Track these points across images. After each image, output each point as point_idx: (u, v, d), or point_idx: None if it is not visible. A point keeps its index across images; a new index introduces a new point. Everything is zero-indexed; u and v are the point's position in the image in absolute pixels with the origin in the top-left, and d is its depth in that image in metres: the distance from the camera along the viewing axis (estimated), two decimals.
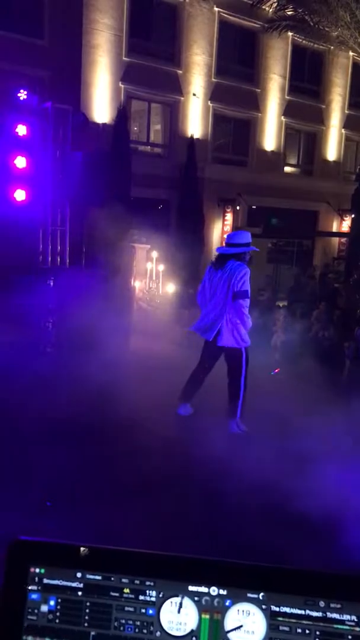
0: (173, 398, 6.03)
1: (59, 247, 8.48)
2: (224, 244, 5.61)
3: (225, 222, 18.06)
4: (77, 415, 5.63)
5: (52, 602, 0.82)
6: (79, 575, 0.83)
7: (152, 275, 11.30)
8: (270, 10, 14.72)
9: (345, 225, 19.99)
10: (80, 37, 15.14)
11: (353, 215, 18.21)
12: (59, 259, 8.49)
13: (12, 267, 7.75)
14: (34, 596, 0.83)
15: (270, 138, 19.29)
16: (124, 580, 0.82)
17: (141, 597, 0.82)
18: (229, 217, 18.01)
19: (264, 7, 14.74)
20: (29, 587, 0.83)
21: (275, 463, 4.38)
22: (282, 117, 19.43)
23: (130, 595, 0.82)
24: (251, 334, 7.77)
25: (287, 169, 20.28)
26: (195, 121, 17.53)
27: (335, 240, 20.73)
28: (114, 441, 5.30)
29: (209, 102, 17.75)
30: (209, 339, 5.57)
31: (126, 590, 0.82)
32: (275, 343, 9.38)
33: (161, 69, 16.59)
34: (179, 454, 5.02)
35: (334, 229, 20.69)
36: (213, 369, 5.87)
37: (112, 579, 0.82)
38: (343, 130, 21.05)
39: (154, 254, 11.42)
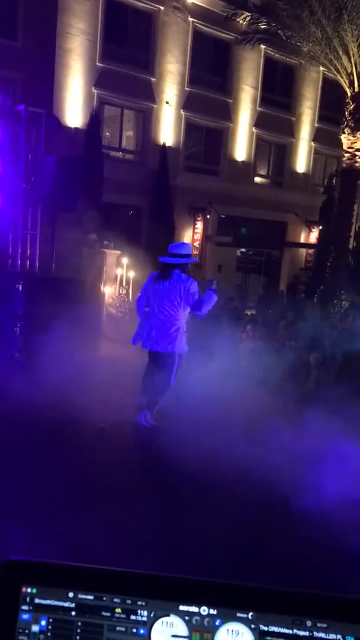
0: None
1: (28, 251, 8.40)
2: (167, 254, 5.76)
3: (196, 231, 18.17)
4: (43, 421, 5.59)
5: (43, 622, 0.82)
6: (70, 595, 0.82)
7: (122, 282, 11.28)
8: (244, 23, 14.92)
9: (313, 236, 20.35)
10: (54, 41, 15.08)
11: (320, 227, 18.60)
12: (28, 263, 8.41)
13: None
14: (25, 616, 0.82)
15: (241, 148, 19.52)
16: (115, 600, 0.82)
17: (132, 617, 0.82)
18: (199, 225, 18.12)
19: (237, 19, 14.93)
20: (21, 607, 0.82)
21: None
22: (253, 128, 19.68)
23: (122, 615, 0.82)
24: (219, 341, 7.85)
25: (257, 179, 20.54)
26: (168, 129, 17.62)
27: (303, 251, 21.07)
28: (79, 446, 5.29)
29: (182, 110, 17.87)
30: (163, 350, 5.65)
31: (118, 610, 0.82)
32: (242, 351, 9.47)
33: (135, 76, 16.64)
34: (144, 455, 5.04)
35: (302, 239, 21.02)
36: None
37: (104, 598, 0.82)
38: (312, 143, 21.44)
39: (125, 260, 11.41)
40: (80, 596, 0.82)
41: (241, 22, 15.34)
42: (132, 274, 11.24)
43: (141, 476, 4.85)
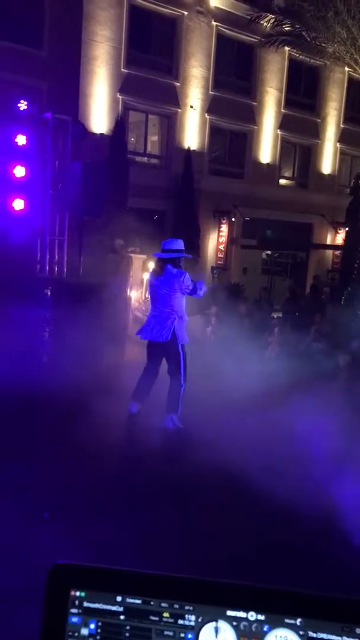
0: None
1: (56, 257, 8.50)
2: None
3: (221, 234, 18.16)
4: (75, 426, 5.65)
5: (92, 626, 0.83)
6: (119, 599, 0.83)
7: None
8: (268, 25, 14.90)
9: (340, 238, 20.15)
10: (80, 48, 15.26)
11: (347, 228, 18.39)
12: (56, 269, 8.51)
13: (9, 276, 7.75)
14: (74, 619, 0.83)
15: (266, 151, 19.46)
16: (163, 604, 0.83)
17: (180, 622, 0.82)
18: (224, 228, 18.10)
19: (261, 22, 14.91)
20: (70, 611, 0.83)
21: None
22: (278, 130, 19.61)
23: (170, 620, 0.82)
24: (246, 346, 7.83)
25: (282, 181, 20.44)
26: (192, 133, 17.66)
27: (330, 252, 20.87)
28: (114, 448, 5.33)
29: (206, 114, 17.90)
30: (163, 340, 5.88)
31: (165, 614, 0.82)
32: (270, 354, 9.42)
33: (159, 81, 16.73)
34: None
35: (328, 241, 20.83)
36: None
37: (152, 603, 0.83)
38: (338, 144, 21.26)
39: (151, 265, 11.45)
40: (128, 600, 0.83)
41: (265, 24, 15.34)
42: None
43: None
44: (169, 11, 16.73)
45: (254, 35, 17.38)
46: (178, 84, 17.31)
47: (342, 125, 21.19)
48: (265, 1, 15.81)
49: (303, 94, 20.16)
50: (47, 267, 8.41)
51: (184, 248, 6.12)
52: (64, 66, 14.76)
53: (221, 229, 18.14)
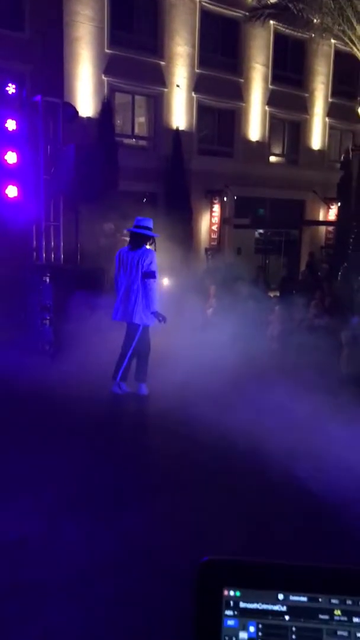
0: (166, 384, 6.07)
1: (52, 243, 8.36)
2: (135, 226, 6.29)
3: (213, 214, 17.99)
4: (81, 414, 5.59)
5: (252, 629, 0.73)
6: (280, 597, 0.73)
7: None
8: None
9: (332, 213, 20.04)
10: (62, 30, 14.91)
11: (339, 204, 18.28)
12: (53, 255, 8.37)
13: (6, 265, 7.63)
14: (230, 622, 0.74)
15: (254, 128, 19.23)
16: (333, 600, 0.73)
17: (356, 620, 0.72)
18: (216, 208, 17.94)
19: None
20: (225, 613, 0.74)
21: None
22: (266, 106, 19.36)
23: (343, 618, 0.72)
24: (247, 325, 7.77)
25: (273, 158, 20.24)
26: (180, 113, 17.40)
27: (323, 229, 20.78)
28: (126, 437, 5.28)
29: (193, 93, 17.62)
30: (132, 320, 6.12)
31: (337, 612, 0.72)
32: (272, 333, 9.38)
33: (144, 61, 16.42)
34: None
35: (321, 217, 20.72)
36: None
37: (320, 599, 0.73)
38: (327, 119, 21.05)
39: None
40: (292, 598, 0.73)
41: None
42: None
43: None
44: None
45: (238, 10, 17.07)
46: (163, 63, 17.00)
47: (330, 100, 20.97)
48: None
49: (290, 69, 19.88)
50: (44, 254, 8.28)
51: (152, 227, 6.28)
52: (47, 49, 14.42)
53: (213, 209, 17.98)
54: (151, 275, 6.02)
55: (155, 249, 6.37)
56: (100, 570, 3.09)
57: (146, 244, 6.15)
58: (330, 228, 19.91)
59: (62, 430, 5.23)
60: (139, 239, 6.12)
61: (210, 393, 5.92)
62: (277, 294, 12.86)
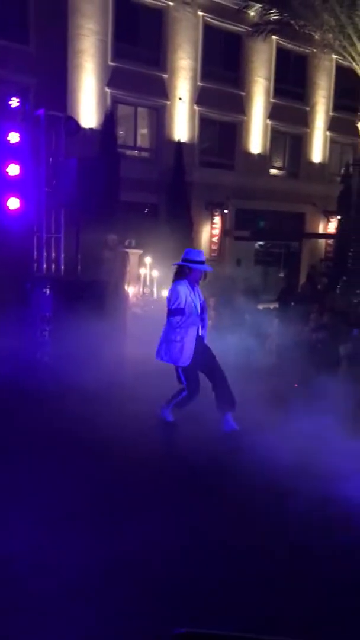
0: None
1: (53, 255, 8.42)
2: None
3: (214, 226, 18.10)
4: (76, 424, 5.60)
5: None
6: None
7: (145, 281, 11.26)
8: (255, 14, 14.77)
9: (332, 226, 20.15)
10: (66, 43, 15.09)
11: (339, 217, 18.38)
12: (54, 267, 8.43)
13: (6, 276, 7.68)
14: None
15: (256, 141, 19.38)
16: None
17: None
18: (217, 220, 18.05)
19: (248, 11, 14.79)
20: None
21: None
22: (268, 119, 19.53)
23: None
24: (247, 337, 7.78)
25: (273, 171, 20.38)
26: (182, 125, 17.55)
27: (322, 241, 20.89)
28: (115, 449, 5.29)
29: (195, 106, 17.79)
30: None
31: None
32: (270, 347, 9.41)
33: (147, 74, 16.59)
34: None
35: (321, 230, 20.83)
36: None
37: None
38: (328, 133, 21.22)
39: (147, 260, 11.39)
40: None
41: (252, 13, 15.23)
42: (155, 273, 11.22)
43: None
44: (155, 2, 16.57)
45: (241, 25, 17.26)
46: (166, 76, 17.17)
47: (331, 113, 21.15)
48: None
49: (292, 83, 20.08)
50: (45, 266, 8.34)
51: (194, 259, 5.61)
52: (51, 61, 14.59)
53: (214, 221, 18.08)
54: (168, 312, 5.52)
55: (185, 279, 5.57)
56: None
57: (178, 277, 5.57)
58: (330, 241, 20.01)
59: (62, 441, 5.25)
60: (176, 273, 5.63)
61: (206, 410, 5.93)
62: (276, 306, 12.90)
